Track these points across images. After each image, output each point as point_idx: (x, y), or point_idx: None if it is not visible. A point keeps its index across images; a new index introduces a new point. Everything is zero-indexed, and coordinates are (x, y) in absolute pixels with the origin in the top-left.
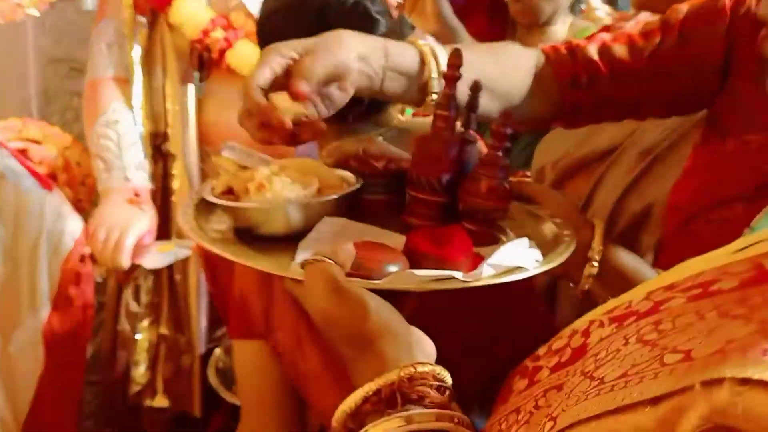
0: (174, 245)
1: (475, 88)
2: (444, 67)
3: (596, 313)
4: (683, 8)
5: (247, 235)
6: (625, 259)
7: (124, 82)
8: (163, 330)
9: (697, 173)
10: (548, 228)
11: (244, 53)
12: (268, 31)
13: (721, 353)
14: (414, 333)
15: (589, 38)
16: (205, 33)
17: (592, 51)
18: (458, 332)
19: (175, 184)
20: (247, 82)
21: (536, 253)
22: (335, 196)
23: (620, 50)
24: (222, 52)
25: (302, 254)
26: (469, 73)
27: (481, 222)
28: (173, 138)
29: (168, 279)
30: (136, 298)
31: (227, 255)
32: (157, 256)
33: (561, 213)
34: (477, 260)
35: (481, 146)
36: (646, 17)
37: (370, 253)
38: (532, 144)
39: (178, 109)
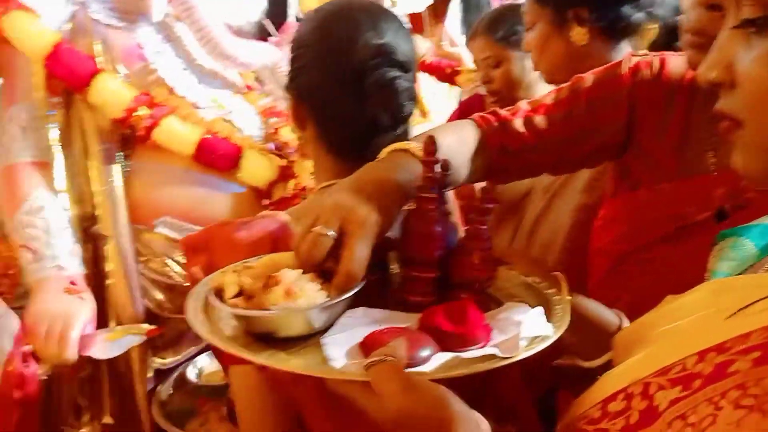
0: (124, 332)
1: (446, 167)
2: None
3: (641, 374)
4: (588, 78)
5: (260, 338)
6: (587, 304)
7: (45, 166)
8: (107, 420)
9: (616, 221)
10: (529, 287)
11: (171, 130)
12: (304, 84)
13: None
14: (475, 414)
15: (513, 112)
16: (129, 111)
17: (518, 123)
18: None
19: (109, 266)
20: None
21: (544, 318)
22: (354, 291)
23: (541, 121)
24: (148, 130)
25: (334, 350)
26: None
27: (475, 291)
28: (103, 219)
29: (108, 366)
30: (81, 392)
31: (261, 360)
32: (108, 345)
33: (532, 271)
34: (487, 329)
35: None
36: None
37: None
38: None
39: (106, 189)
